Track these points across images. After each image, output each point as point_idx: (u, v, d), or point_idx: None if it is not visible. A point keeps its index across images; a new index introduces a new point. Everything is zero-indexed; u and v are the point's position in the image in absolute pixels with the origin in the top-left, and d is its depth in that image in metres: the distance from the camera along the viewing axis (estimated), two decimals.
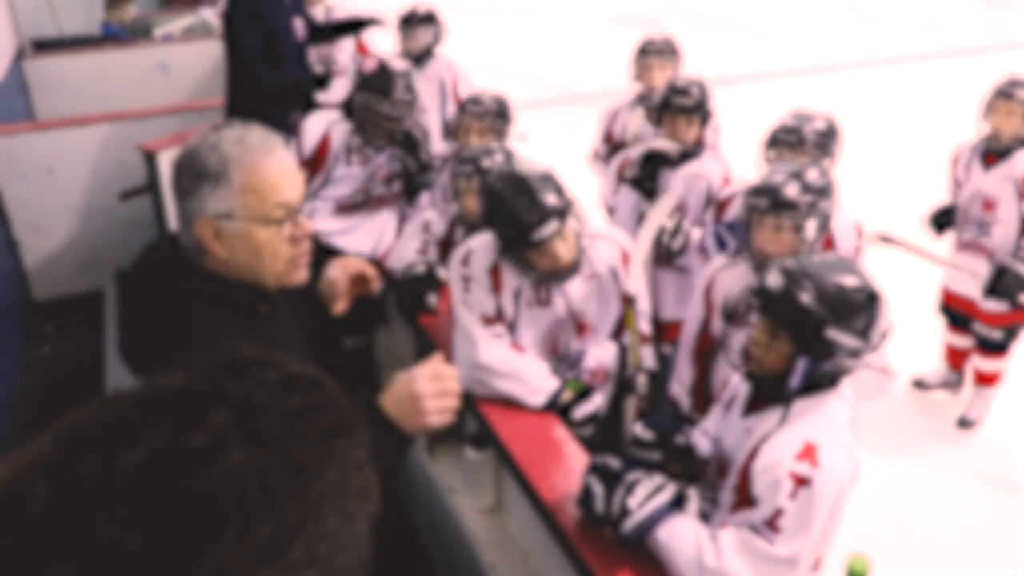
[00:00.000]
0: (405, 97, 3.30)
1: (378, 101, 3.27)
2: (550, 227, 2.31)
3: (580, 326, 2.55)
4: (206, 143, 1.49)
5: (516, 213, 2.31)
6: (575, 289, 2.50)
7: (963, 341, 3.93)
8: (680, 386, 2.81)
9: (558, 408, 2.40)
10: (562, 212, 2.33)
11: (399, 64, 3.39)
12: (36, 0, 5.81)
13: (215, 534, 0.55)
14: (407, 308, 2.90)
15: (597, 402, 2.45)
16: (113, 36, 6.24)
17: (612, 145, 4.10)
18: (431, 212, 3.18)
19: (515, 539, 2.54)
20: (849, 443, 1.86)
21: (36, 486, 0.56)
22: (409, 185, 3.46)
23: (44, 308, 4.48)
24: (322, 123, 3.37)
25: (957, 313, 3.87)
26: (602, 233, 2.59)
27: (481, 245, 2.51)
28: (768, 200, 2.51)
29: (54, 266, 4.50)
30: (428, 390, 1.41)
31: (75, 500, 0.55)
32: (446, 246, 3.01)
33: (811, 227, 2.50)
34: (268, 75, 3.81)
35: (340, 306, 1.87)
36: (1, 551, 0.54)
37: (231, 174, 1.47)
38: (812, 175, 2.55)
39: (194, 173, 1.48)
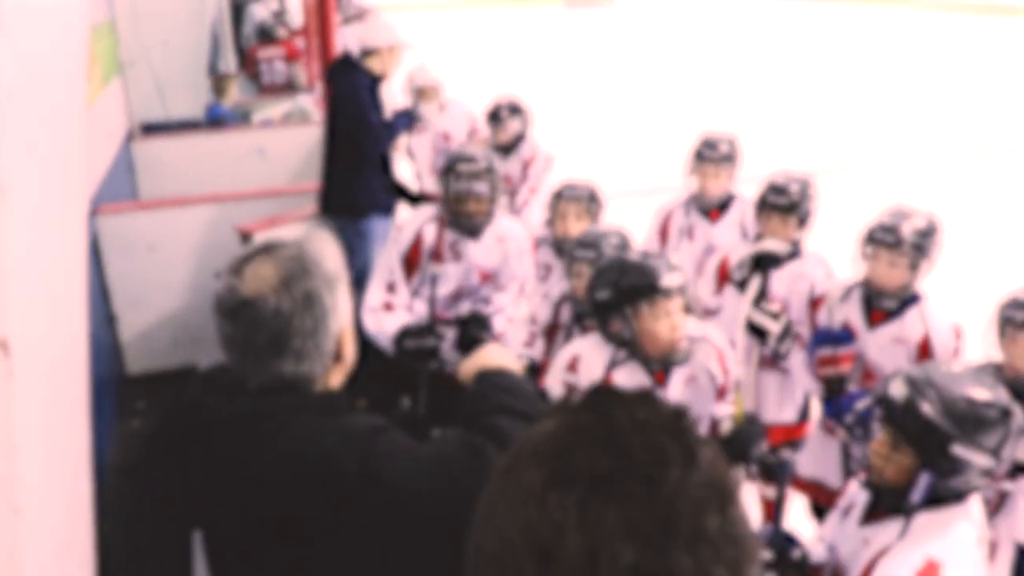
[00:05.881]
0: (467, 169, 3.18)
1: (446, 181, 3.21)
2: (676, 278, 2.33)
3: None
4: (308, 257, 1.35)
5: (643, 262, 2.37)
6: (674, 392, 2.44)
7: None
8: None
9: None
10: (681, 283, 2.35)
11: (475, 148, 3.36)
12: (148, 85, 6.09)
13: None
14: None
15: None
16: (219, 117, 6.50)
17: (665, 244, 3.91)
18: (535, 301, 3.10)
19: None
20: (978, 564, 1.71)
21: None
22: None
23: (136, 382, 4.56)
24: (416, 221, 3.32)
25: None
26: (695, 333, 2.50)
27: (590, 350, 2.44)
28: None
29: (149, 341, 4.59)
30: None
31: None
32: (551, 331, 2.95)
33: None
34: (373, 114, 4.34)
35: None
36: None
37: (341, 271, 1.39)
38: None
39: (329, 282, 1.35)
